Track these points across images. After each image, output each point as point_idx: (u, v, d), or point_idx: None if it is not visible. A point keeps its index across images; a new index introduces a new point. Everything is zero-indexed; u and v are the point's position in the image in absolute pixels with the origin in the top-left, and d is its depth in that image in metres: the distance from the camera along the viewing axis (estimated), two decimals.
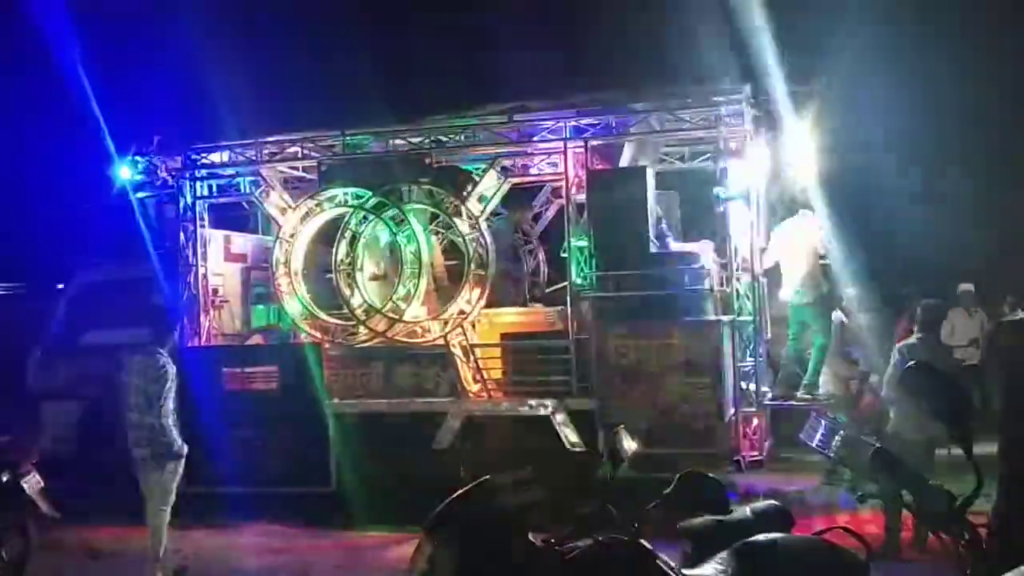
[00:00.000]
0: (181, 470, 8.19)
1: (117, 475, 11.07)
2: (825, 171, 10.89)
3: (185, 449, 8.13)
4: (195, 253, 11.58)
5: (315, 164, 11.41)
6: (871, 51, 16.78)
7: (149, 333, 8.32)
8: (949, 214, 17.15)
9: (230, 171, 11.93)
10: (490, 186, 10.88)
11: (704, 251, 10.50)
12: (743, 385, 10.13)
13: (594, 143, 10.48)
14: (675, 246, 10.80)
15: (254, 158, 11.61)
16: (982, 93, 17.32)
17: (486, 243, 10.63)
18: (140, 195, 11.96)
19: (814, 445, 4.28)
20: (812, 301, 10.66)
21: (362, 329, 10.81)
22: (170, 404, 7.99)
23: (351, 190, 11.05)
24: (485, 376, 10.39)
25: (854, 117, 12.93)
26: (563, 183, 10.64)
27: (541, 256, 12.58)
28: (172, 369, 8.16)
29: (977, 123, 17.19)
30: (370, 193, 10.86)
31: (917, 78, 17.21)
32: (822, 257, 10.72)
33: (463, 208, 10.67)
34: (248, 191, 11.95)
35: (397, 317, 10.66)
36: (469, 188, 10.78)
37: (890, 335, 10.54)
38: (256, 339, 11.98)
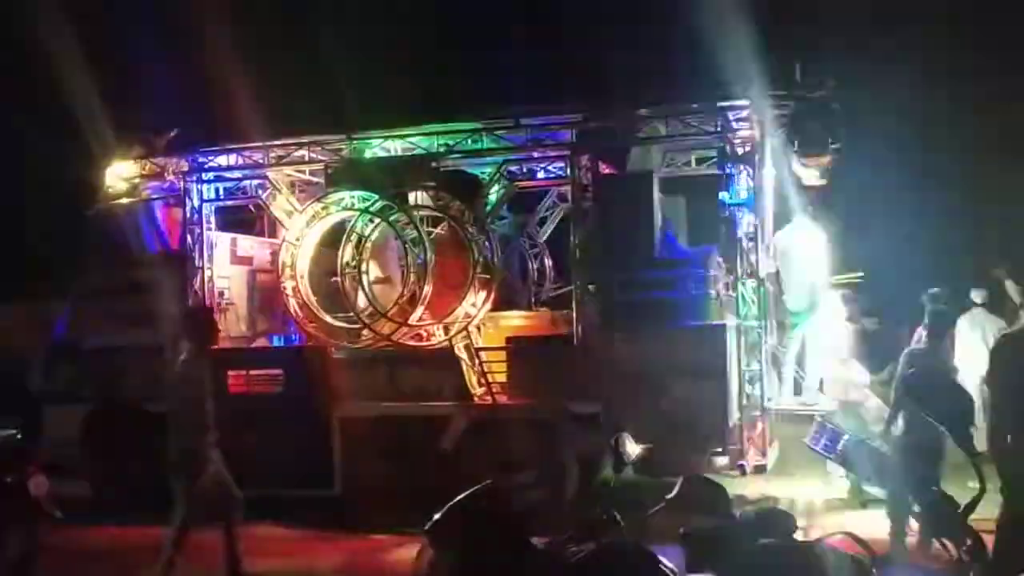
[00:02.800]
0: (205, 475, 8.03)
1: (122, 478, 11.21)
2: (836, 176, 10.90)
3: (219, 456, 8.08)
4: (201, 256, 11.60)
5: (322, 167, 11.42)
6: (884, 54, 16.80)
7: (187, 339, 8.26)
8: (964, 219, 17.14)
9: (237, 174, 11.95)
10: (496, 190, 10.88)
11: (710, 256, 10.50)
12: (748, 390, 10.12)
13: (600, 148, 10.47)
14: (681, 250, 10.79)
15: (261, 161, 11.62)
16: (1000, 93, 17.30)
17: (492, 247, 10.64)
18: (147, 197, 11.99)
19: (819, 450, 4.28)
20: (808, 307, 10.70)
21: (367, 332, 10.82)
22: (207, 409, 7.94)
23: (357, 193, 11.06)
24: (490, 379, 10.38)
25: (866, 121, 12.91)
26: (569, 188, 10.65)
27: (547, 260, 12.58)
28: (208, 375, 8.10)
29: (995, 125, 17.16)
30: (376, 196, 10.88)
31: (933, 80, 17.21)
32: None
33: (469, 212, 10.68)
34: (255, 194, 11.97)
35: (402, 320, 10.66)
36: (475, 192, 10.78)
37: (897, 340, 10.54)
38: (261, 342, 11.99)
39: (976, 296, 13.17)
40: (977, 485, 3.59)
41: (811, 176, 10.63)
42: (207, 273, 11.60)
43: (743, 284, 10.20)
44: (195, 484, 7.90)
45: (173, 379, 8.12)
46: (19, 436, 8.00)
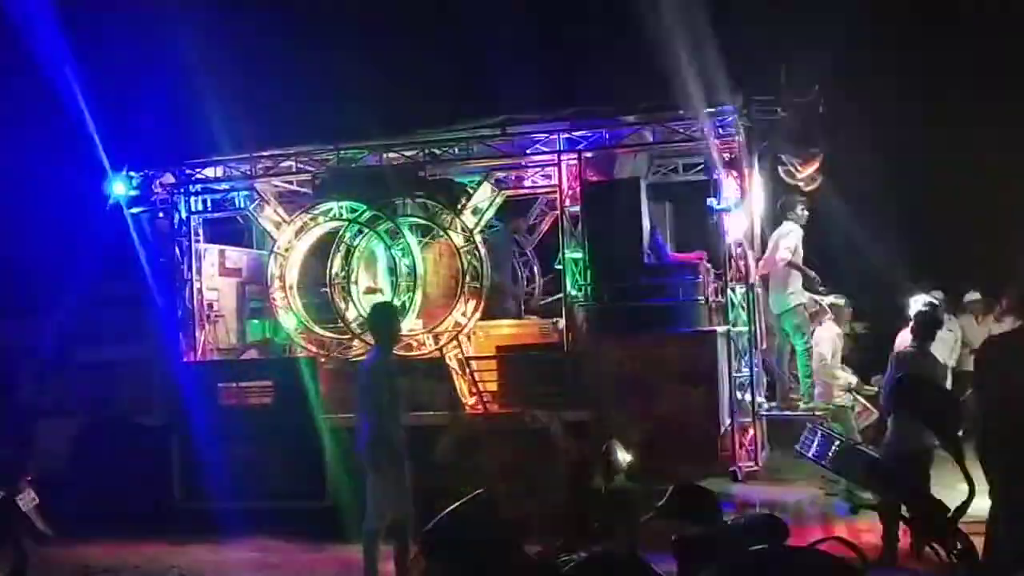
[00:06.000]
0: (407, 472, 7.80)
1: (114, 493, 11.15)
2: (823, 181, 10.93)
3: (404, 452, 7.80)
4: (190, 268, 11.58)
5: (310, 178, 11.41)
6: (870, 59, 16.86)
7: (372, 337, 8.18)
8: (952, 221, 17.20)
9: (224, 185, 11.93)
10: (484, 199, 10.89)
11: (699, 262, 10.53)
12: (739, 395, 10.14)
13: (588, 155, 10.49)
14: (669, 257, 10.82)
15: (248, 172, 11.60)
16: (985, 96, 17.38)
17: (481, 255, 10.65)
18: (134, 210, 11.96)
19: (810, 455, 4.30)
20: (787, 309, 10.74)
21: (357, 343, 10.81)
22: (392, 406, 7.72)
23: (346, 204, 11.05)
24: (481, 389, 10.38)
25: (852, 126, 12.96)
26: (557, 195, 10.66)
27: (536, 268, 12.59)
28: (393, 371, 7.96)
29: (980, 128, 17.23)
30: (365, 207, 10.88)
31: (918, 84, 17.29)
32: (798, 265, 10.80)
33: (457, 221, 10.69)
34: (243, 205, 11.96)
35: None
36: (463, 201, 10.80)
37: (888, 344, 10.57)
38: (251, 354, 11.97)
39: (971, 296, 13.23)
40: (966, 488, 3.60)
41: (798, 180, 10.68)
42: (196, 285, 11.58)
43: (732, 290, 10.23)
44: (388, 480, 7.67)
45: (363, 375, 7.89)
46: (9, 451, 7.98)
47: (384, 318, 8.28)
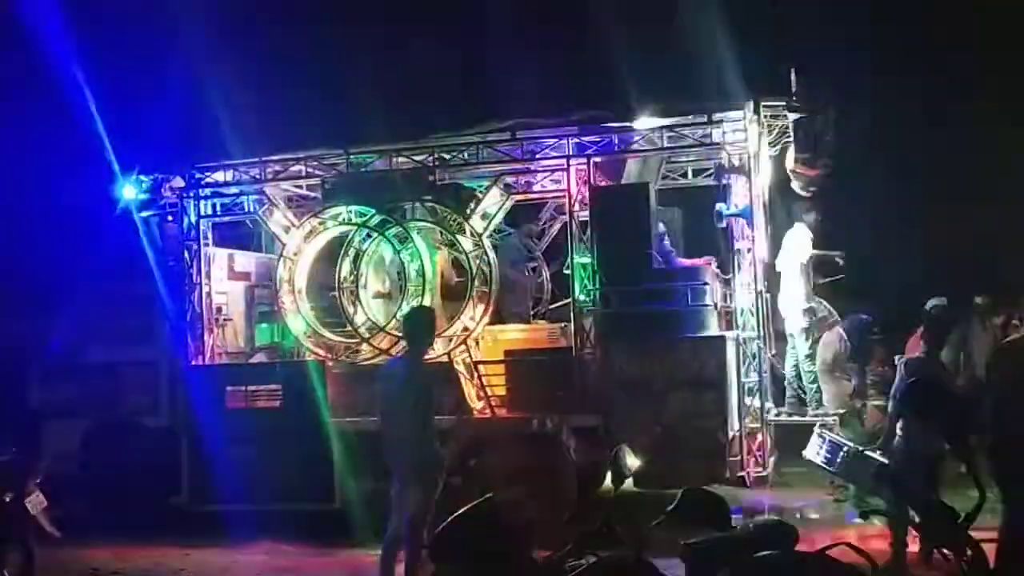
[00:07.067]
0: (441, 483, 7.42)
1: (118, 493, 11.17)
2: (832, 186, 10.92)
3: (445, 461, 7.51)
4: (199, 271, 11.59)
5: (319, 182, 11.43)
6: (875, 63, 16.85)
7: (406, 341, 7.91)
8: (956, 227, 17.16)
9: (234, 190, 11.95)
10: (493, 203, 10.89)
11: (707, 267, 10.52)
12: (747, 401, 10.11)
13: (597, 160, 10.49)
14: (678, 262, 10.81)
15: (258, 176, 11.62)
16: (987, 103, 17.36)
17: (490, 260, 10.65)
18: (144, 214, 11.99)
19: (819, 461, 4.28)
20: (795, 314, 10.71)
21: (365, 347, 10.82)
22: (426, 413, 7.41)
23: (355, 208, 11.08)
24: (489, 393, 10.37)
25: (859, 132, 12.94)
26: (566, 200, 10.66)
27: (545, 273, 12.58)
28: (432, 377, 7.73)
29: (982, 133, 17.21)
30: (373, 211, 10.90)
31: (925, 91, 17.27)
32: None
33: (466, 225, 10.70)
34: (252, 210, 11.97)
35: (400, 334, 10.65)
36: (472, 206, 10.80)
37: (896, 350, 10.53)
38: (260, 357, 11.98)
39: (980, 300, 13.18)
40: (977, 494, 3.58)
41: (806, 185, 10.66)
42: (205, 289, 11.59)
43: (741, 295, 10.20)
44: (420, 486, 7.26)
45: (396, 382, 7.50)
46: (17, 453, 7.99)
47: (424, 323, 7.91)
